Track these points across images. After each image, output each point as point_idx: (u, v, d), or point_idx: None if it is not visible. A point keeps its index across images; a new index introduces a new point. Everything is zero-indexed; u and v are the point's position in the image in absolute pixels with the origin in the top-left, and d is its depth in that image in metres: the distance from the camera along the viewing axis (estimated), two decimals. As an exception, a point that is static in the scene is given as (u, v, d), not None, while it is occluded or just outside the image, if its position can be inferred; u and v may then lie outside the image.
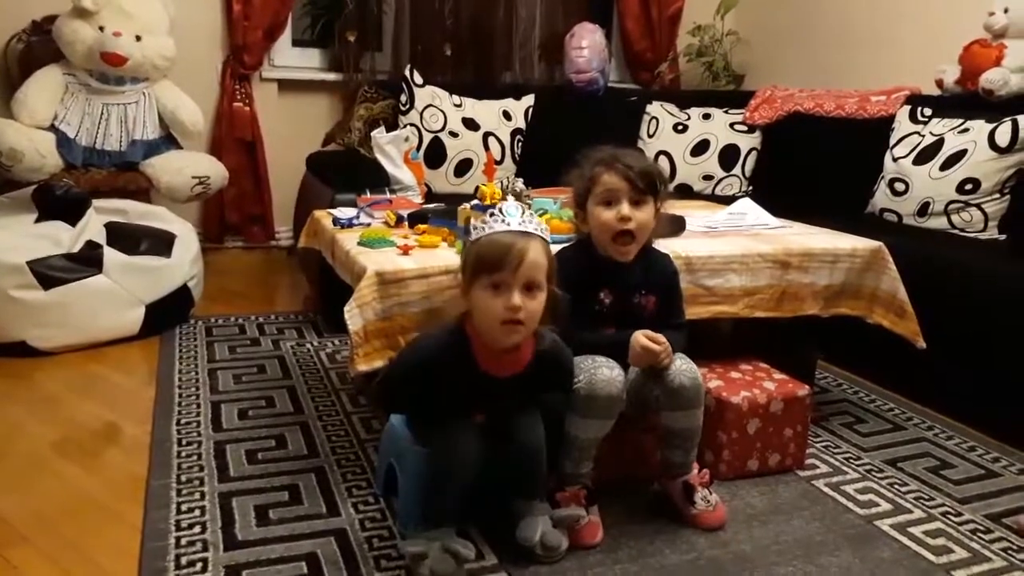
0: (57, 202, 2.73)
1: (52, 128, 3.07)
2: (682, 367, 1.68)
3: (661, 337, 1.66)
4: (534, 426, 1.60)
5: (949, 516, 1.80)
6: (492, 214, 1.48)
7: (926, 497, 1.88)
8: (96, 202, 2.83)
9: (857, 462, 2.04)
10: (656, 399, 1.69)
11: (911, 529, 1.74)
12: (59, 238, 2.61)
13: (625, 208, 1.66)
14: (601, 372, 1.61)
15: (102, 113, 3.16)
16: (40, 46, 3.21)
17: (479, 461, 1.53)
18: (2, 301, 2.45)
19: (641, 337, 1.65)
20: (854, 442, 2.15)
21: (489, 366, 1.51)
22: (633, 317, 1.74)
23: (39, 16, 3.25)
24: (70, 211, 2.72)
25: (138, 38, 3.13)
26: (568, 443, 1.65)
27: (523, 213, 1.48)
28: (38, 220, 2.71)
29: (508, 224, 1.46)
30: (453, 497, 1.54)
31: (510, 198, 1.57)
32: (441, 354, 1.51)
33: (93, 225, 2.73)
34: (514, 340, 1.48)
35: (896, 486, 1.92)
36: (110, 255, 2.63)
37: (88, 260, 2.59)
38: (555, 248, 1.81)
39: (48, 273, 2.50)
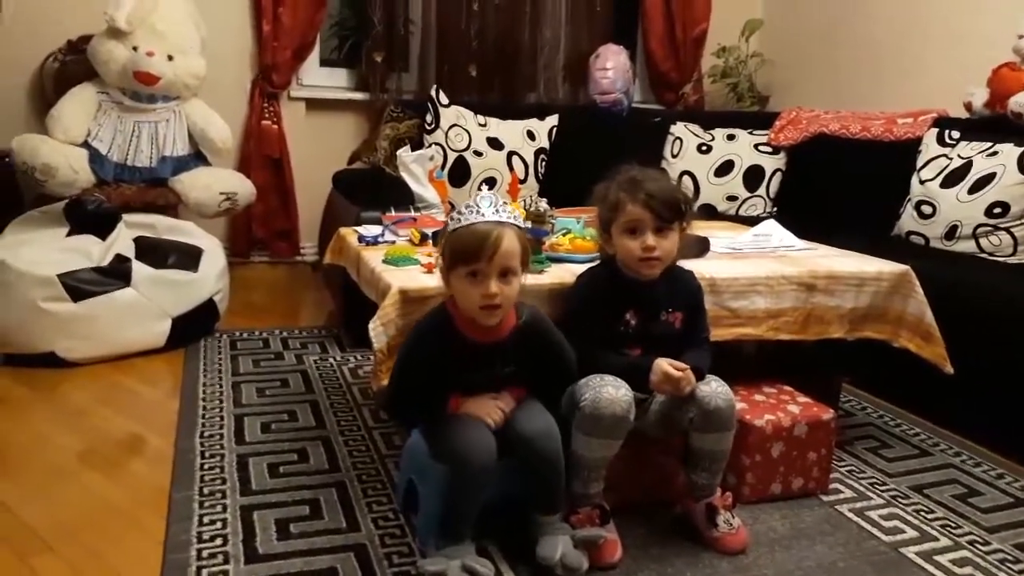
0: (88, 216, 2.79)
1: (85, 144, 3.13)
2: (718, 389, 1.67)
3: (682, 364, 1.65)
4: (547, 432, 1.59)
5: (977, 545, 1.77)
6: (467, 206, 1.54)
7: (953, 525, 1.85)
8: (126, 217, 2.88)
9: (882, 487, 2.01)
10: (690, 421, 1.68)
11: (937, 557, 1.71)
12: (89, 252, 2.66)
13: (650, 239, 1.66)
14: (606, 391, 1.60)
15: (133, 130, 3.22)
16: (75, 65, 3.28)
17: (495, 462, 1.53)
18: (33, 312, 2.50)
19: (663, 363, 1.64)
20: (879, 467, 2.12)
21: (470, 331, 1.58)
22: (659, 336, 1.74)
23: (75, 36, 3.33)
24: (101, 225, 2.77)
25: (170, 58, 3.19)
26: (575, 462, 1.64)
27: (496, 203, 1.54)
28: (69, 234, 2.76)
29: (482, 215, 1.51)
30: (471, 506, 1.54)
31: (484, 191, 1.60)
32: (428, 332, 1.59)
33: (123, 239, 2.78)
34: (493, 322, 1.55)
35: (922, 513, 1.89)
36: (139, 269, 2.67)
37: (117, 273, 2.63)
38: (579, 268, 1.83)
39: (78, 286, 2.54)
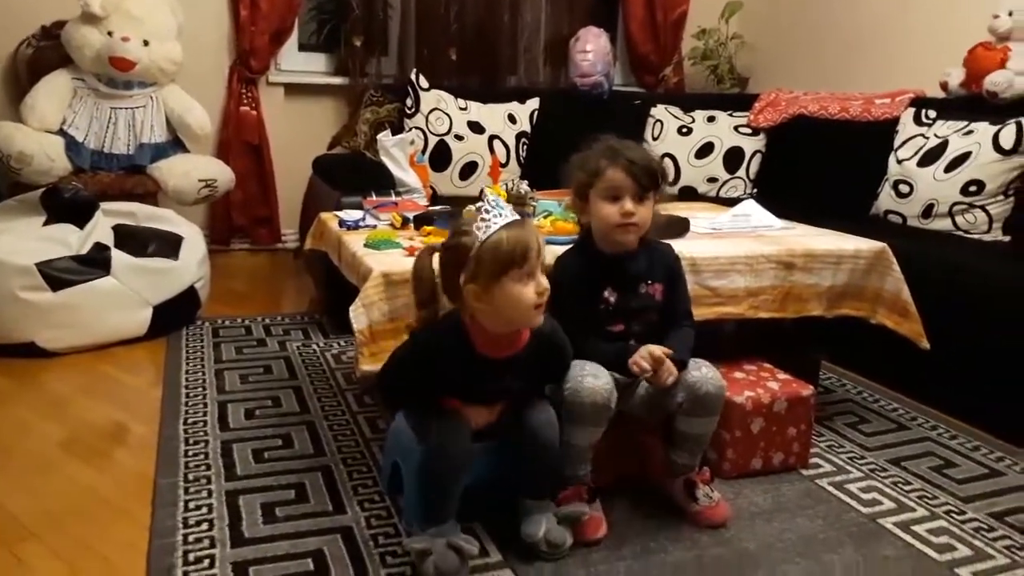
0: (65, 205, 2.76)
1: (61, 132, 3.10)
2: (708, 375, 1.68)
3: (665, 349, 1.66)
4: (549, 423, 1.61)
5: (952, 514, 1.80)
6: (488, 210, 1.49)
7: (929, 496, 1.88)
8: (104, 205, 2.85)
9: (861, 461, 2.04)
10: (679, 405, 1.69)
11: (914, 527, 1.74)
12: (67, 240, 2.63)
13: (628, 204, 1.67)
14: (586, 381, 1.61)
15: (110, 117, 3.19)
16: (49, 51, 3.23)
17: (471, 461, 1.54)
18: (11, 302, 2.48)
19: (649, 346, 1.65)
20: (858, 441, 2.15)
21: (486, 349, 1.55)
22: (640, 310, 1.75)
23: (48, 21, 3.28)
24: (78, 214, 2.74)
25: (146, 43, 3.15)
26: (562, 447, 1.65)
27: (505, 204, 1.52)
28: (47, 223, 2.74)
29: (505, 216, 1.49)
30: (452, 487, 1.55)
31: (487, 193, 1.59)
32: (440, 343, 1.55)
33: (101, 227, 2.76)
34: (540, 320, 1.53)
35: (900, 485, 1.93)
36: (118, 257, 2.65)
37: (96, 262, 2.61)
38: (561, 250, 1.84)
39: (56, 275, 2.52)
